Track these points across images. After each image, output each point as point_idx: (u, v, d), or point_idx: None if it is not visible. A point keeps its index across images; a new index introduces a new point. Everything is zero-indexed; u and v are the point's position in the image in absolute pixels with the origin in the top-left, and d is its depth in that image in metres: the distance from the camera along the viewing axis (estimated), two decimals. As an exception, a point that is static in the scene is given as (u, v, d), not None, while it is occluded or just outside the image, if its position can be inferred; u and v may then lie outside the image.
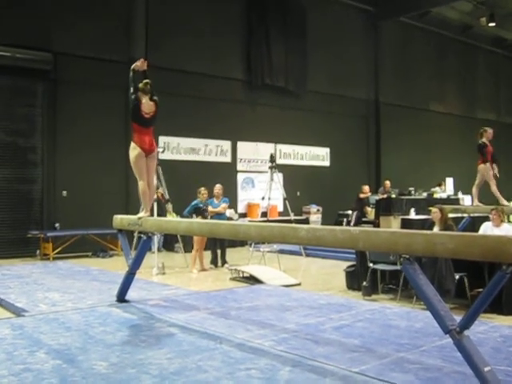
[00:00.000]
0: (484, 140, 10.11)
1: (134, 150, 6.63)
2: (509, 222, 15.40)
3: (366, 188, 16.03)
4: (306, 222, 16.53)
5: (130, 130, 15.42)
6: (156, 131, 15.36)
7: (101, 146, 13.72)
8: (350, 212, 17.69)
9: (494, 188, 10.26)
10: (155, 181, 11.05)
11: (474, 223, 11.05)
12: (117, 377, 4.20)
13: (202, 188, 10.90)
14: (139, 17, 14.44)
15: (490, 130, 10.20)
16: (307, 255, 12.74)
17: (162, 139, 14.74)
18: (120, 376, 4.21)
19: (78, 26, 13.43)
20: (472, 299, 6.61)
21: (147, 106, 6.58)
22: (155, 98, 6.64)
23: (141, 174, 6.68)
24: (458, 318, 3.90)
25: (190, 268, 10.68)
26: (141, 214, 6.74)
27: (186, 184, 14.36)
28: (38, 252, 12.68)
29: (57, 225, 13.21)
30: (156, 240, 11.36)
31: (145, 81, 6.64)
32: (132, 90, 6.56)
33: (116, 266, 10.73)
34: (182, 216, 11.05)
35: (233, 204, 12.28)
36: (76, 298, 7.41)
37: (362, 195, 15.75)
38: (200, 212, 10.67)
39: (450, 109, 23.63)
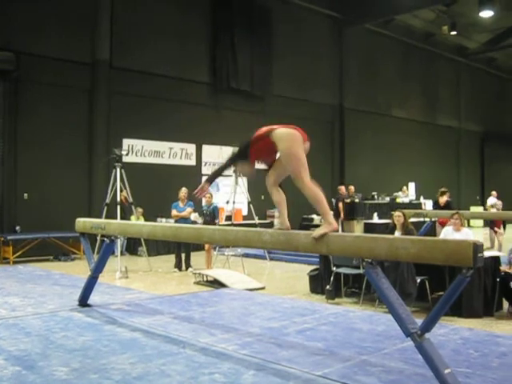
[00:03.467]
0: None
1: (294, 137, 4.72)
2: (469, 226, 15.78)
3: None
4: (271, 225, 16.54)
5: (94, 132, 15.12)
6: (120, 133, 15.28)
7: (63, 148, 13.54)
8: (315, 216, 17.76)
9: None
10: (118, 183, 10.96)
11: (436, 227, 11.31)
12: (78, 382, 4.13)
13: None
14: (104, 18, 14.29)
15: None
16: (271, 259, 12.76)
17: (126, 142, 14.62)
18: (82, 382, 4.15)
19: (41, 26, 13.24)
20: (433, 302, 6.73)
21: None
22: None
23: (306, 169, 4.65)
24: (419, 321, 3.96)
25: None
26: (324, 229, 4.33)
27: (150, 187, 14.28)
28: (-3, 256, 12.42)
29: (17, 228, 12.92)
30: (119, 243, 11.23)
31: None
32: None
33: (78, 269, 10.59)
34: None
35: (197, 208, 12.23)
36: (36, 303, 7.27)
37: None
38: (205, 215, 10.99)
39: (413, 115, 24.02)
